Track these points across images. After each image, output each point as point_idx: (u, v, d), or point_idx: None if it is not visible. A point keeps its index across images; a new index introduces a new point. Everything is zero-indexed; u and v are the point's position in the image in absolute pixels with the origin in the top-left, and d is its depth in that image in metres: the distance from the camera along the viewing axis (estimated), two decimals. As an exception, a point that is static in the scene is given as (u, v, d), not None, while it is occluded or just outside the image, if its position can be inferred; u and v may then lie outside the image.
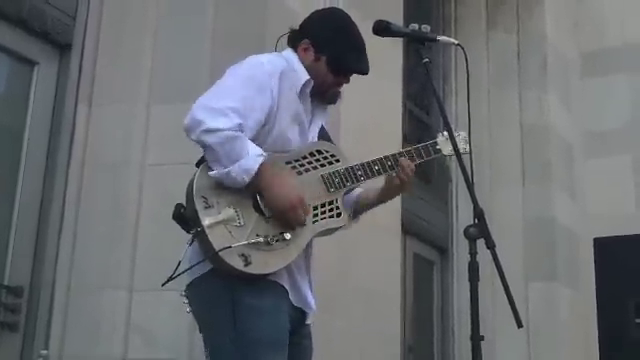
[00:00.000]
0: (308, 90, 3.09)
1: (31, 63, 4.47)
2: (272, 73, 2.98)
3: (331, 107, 3.27)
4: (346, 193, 3.11)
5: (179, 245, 4.22)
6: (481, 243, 2.72)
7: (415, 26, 3.06)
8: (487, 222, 2.75)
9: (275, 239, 2.84)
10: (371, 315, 5.07)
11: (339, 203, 3.02)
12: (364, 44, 3.20)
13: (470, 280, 2.73)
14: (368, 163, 3.09)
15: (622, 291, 7.69)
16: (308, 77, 3.08)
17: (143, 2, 4.72)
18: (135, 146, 4.51)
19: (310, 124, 3.15)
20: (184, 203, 2.89)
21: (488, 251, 2.70)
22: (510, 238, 7.41)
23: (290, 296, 2.96)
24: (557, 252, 7.71)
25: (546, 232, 7.72)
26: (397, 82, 5.92)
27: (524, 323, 2.73)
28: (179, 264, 2.85)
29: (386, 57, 5.51)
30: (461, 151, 3.12)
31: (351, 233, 3.50)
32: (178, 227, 4.19)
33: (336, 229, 3.05)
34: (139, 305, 4.31)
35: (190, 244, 2.88)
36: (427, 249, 7.52)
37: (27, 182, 4.36)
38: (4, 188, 4.29)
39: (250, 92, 2.91)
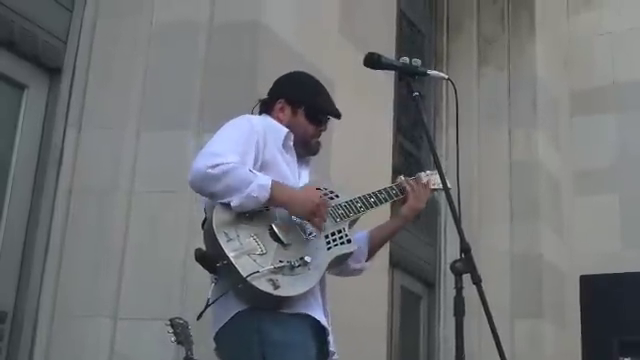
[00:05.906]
0: (291, 143, 3.24)
1: (20, 86, 4.45)
2: (257, 125, 3.14)
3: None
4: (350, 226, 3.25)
5: (165, 274, 4.23)
6: (468, 278, 2.72)
7: (406, 59, 3.11)
8: (473, 257, 2.75)
9: (297, 264, 2.96)
10: (357, 348, 5.02)
11: (347, 231, 3.18)
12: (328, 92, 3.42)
13: (455, 315, 2.72)
14: (365, 196, 3.28)
15: (607, 329, 7.71)
16: (288, 130, 3.23)
17: (135, 28, 4.72)
18: (123, 172, 4.49)
19: (299, 176, 3.27)
20: (203, 245, 3.00)
21: (475, 286, 2.70)
22: (497, 274, 7.40)
23: (316, 317, 3.06)
24: (543, 289, 7.69)
25: (533, 269, 7.70)
26: (388, 115, 5.93)
27: (510, 359, 2.72)
28: (208, 302, 2.96)
29: (378, 90, 5.52)
30: (441, 187, 3.25)
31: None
32: (164, 256, 4.22)
33: (349, 255, 3.19)
34: (123, 334, 4.27)
35: (215, 283, 2.98)
36: (414, 283, 7.49)
37: (13, 206, 4.32)
38: (-10, 212, 4.25)
39: (240, 138, 3.07)
